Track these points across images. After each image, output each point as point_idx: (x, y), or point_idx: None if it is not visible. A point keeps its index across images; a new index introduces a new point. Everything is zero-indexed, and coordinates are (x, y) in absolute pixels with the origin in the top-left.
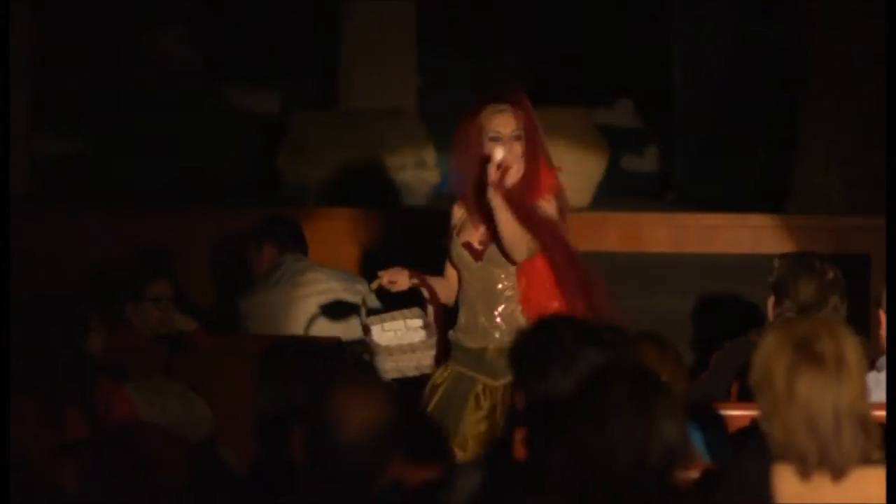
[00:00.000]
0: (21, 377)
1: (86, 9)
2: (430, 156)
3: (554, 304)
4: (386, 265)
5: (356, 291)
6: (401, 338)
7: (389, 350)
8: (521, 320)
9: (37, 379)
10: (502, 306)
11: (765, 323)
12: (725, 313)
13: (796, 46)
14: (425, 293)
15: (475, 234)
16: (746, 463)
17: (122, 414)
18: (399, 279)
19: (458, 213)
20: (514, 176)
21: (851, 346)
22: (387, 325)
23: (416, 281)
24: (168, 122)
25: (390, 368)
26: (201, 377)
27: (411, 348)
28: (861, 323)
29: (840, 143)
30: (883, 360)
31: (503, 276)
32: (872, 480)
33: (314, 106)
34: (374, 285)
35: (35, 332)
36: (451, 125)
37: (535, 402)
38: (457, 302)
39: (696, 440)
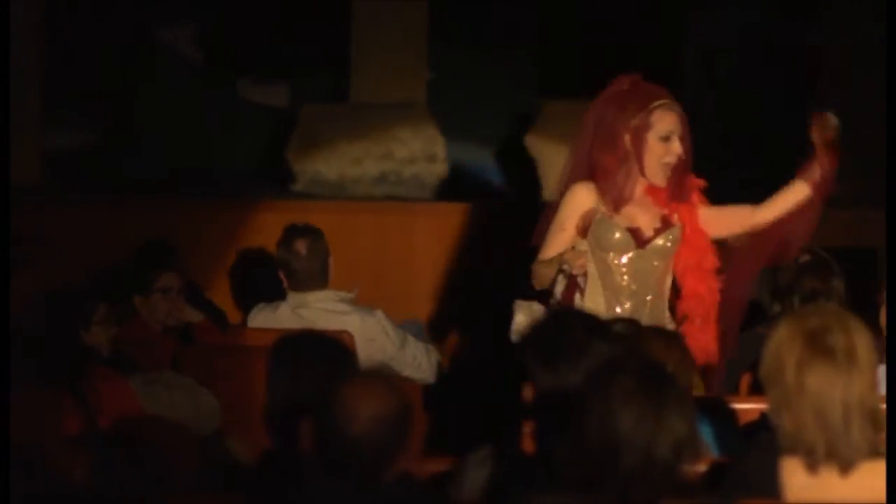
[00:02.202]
0: (27, 370)
1: (96, 4)
2: (440, 149)
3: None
4: (399, 260)
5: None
6: None
7: None
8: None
9: (40, 371)
10: (650, 296)
11: (767, 316)
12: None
13: (808, 40)
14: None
15: (639, 221)
16: (755, 456)
17: (123, 407)
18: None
19: (590, 195)
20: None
21: (862, 340)
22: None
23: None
24: (178, 116)
25: None
26: (210, 370)
27: None
28: (870, 316)
29: (849, 136)
30: None
31: (662, 268)
32: (881, 474)
33: (325, 99)
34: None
35: (39, 325)
36: (460, 118)
37: (543, 394)
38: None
39: (706, 434)
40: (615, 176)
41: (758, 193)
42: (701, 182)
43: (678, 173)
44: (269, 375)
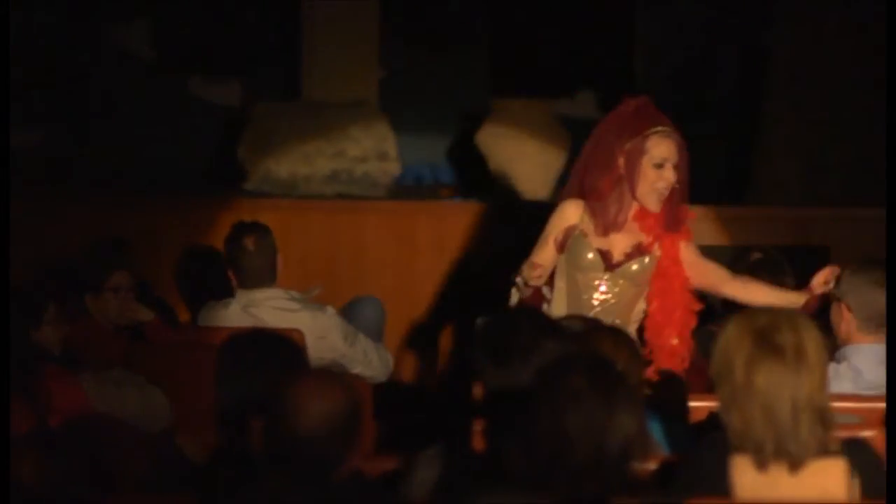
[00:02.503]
0: None
1: (48, 2)
2: (391, 147)
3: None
4: (350, 258)
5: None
6: None
7: None
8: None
9: None
10: (618, 320)
11: (717, 315)
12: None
13: (758, 39)
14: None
15: (613, 244)
16: (705, 454)
17: (73, 406)
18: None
19: (576, 212)
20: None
21: (811, 338)
22: None
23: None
24: (131, 114)
25: None
26: (161, 368)
27: None
28: (820, 315)
29: (801, 134)
30: (842, 352)
31: (632, 293)
32: (829, 472)
33: (277, 97)
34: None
35: None
36: (412, 116)
37: (493, 392)
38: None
39: (656, 431)
40: (607, 198)
41: (707, 191)
42: (693, 214)
43: (672, 202)
44: (219, 374)
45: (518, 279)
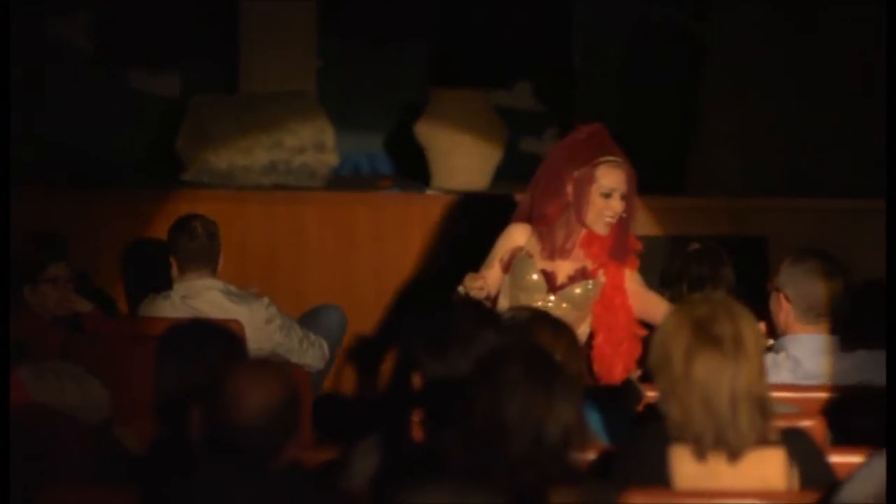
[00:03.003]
0: None
1: None
2: (329, 138)
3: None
4: (289, 248)
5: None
6: None
7: None
8: None
9: None
10: None
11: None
12: None
13: (695, 28)
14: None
15: (558, 267)
16: (644, 444)
17: (12, 398)
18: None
19: (523, 234)
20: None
21: (749, 328)
22: None
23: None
24: (68, 106)
25: None
26: (100, 359)
27: None
28: (758, 305)
29: (738, 125)
30: (781, 342)
31: (574, 316)
32: (769, 461)
33: (215, 89)
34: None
35: None
36: (350, 107)
37: (432, 382)
38: None
39: (595, 422)
40: (554, 224)
41: (645, 182)
42: (639, 246)
43: (620, 231)
44: (158, 364)
45: (460, 288)
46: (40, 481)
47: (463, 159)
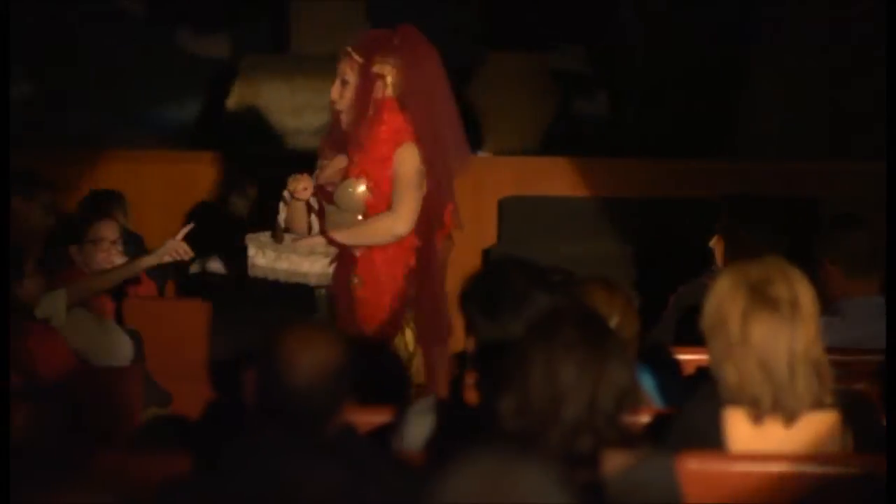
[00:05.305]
0: None
1: None
2: None
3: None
4: None
5: None
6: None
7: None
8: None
9: None
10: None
11: (712, 267)
12: (674, 257)
13: None
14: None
15: (334, 177)
16: (697, 407)
17: (58, 363)
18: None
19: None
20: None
21: (805, 291)
22: None
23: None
24: (119, 67)
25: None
26: (144, 318)
27: None
28: (809, 268)
29: (787, 89)
30: (834, 305)
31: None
32: (822, 424)
33: (265, 51)
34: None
35: None
36: None
37: (485, 345)
38: None
39: (648, 384)
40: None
41: (695, 136)
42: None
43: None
44: (213, 326)
45: (285, 193)
46: (94, 446)
47: (514, 122)
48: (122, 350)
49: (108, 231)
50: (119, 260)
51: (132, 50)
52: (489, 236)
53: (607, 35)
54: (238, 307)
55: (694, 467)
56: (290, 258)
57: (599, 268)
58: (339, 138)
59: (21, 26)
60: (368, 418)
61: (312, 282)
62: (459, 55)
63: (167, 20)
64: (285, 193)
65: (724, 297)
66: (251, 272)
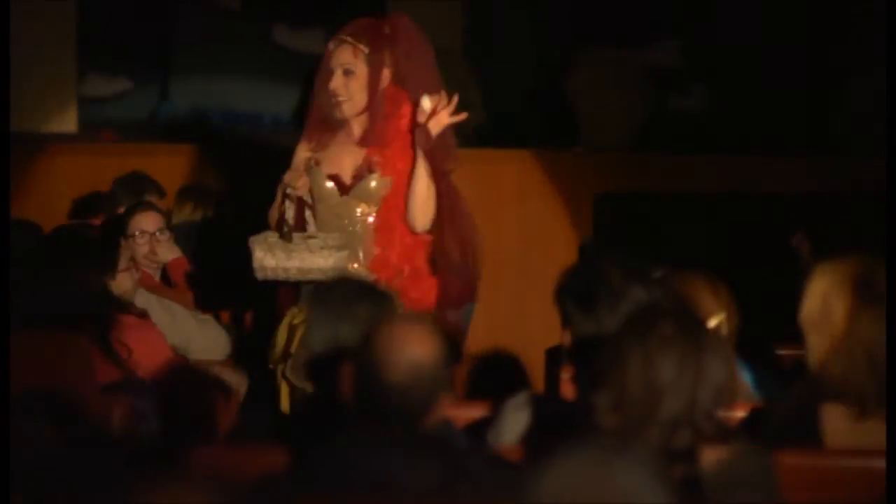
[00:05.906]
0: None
1: None
2: (476, 96)
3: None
4: None
5: None
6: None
7: None
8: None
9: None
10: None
11: (799, 264)
12: (768, 254)
13: None
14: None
15: (342, 168)
16: (797, 402)
17: (155, 357)
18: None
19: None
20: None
21: None
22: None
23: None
24: (214, 63)
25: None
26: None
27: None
28: None
29: (883, 81)
30: None
31: (361, 212)
32: None
33: None
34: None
35: (62, 273)
36: (495, 65)
37: (581, 340)
38: None
39: (746, 379)
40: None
41: (791, 133)
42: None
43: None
44: (310, 321)
45: (288, 190)
46: (192, 440)
47: (610, 117)
48: (219, 344)
49: (148, 222)
50: (166, 251)
51: (225, 44)
52: (584, 231)
53: (705, 31)
54: (334, 300)
55: (792, 462)
56: (301, 255)
57: (695, 264)
58: (330, 127)
59: (113, 21)
60: (466, 413)
61: (329, 277)
62: (552, 50)
63: (262, 14)
64: (288, 190)
65: (827, 291)
66: (259, 275)
